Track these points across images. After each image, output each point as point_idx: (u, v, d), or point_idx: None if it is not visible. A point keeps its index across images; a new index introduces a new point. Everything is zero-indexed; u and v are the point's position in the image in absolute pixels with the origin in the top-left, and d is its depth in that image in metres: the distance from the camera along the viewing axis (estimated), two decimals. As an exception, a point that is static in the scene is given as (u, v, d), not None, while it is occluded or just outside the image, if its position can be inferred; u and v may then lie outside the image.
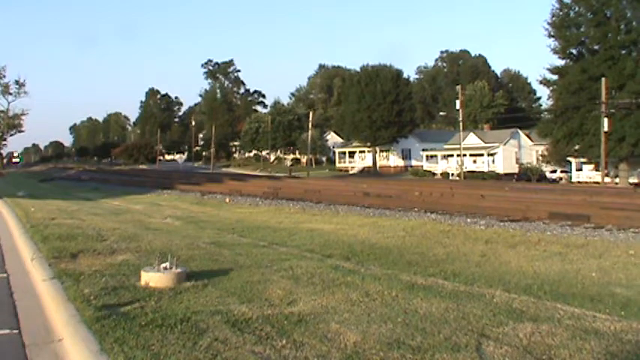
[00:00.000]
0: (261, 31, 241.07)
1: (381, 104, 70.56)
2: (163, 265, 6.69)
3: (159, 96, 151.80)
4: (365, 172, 73.57)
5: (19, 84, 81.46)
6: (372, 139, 72.75)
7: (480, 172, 62.17)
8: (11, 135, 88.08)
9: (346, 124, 77.79)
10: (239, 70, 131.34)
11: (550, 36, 48.78)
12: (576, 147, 47.60)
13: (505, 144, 65.74)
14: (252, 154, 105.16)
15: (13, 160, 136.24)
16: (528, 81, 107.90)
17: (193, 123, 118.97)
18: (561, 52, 48.80)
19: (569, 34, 48.04)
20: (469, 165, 64.64)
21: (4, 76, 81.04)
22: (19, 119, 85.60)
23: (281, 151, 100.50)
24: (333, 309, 5.48)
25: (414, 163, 75.59)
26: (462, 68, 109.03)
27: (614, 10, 45.45)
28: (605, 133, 42.18)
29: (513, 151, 66.13)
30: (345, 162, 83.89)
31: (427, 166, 70.60)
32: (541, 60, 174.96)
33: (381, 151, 77.82)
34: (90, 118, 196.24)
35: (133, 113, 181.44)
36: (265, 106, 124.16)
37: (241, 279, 6.88)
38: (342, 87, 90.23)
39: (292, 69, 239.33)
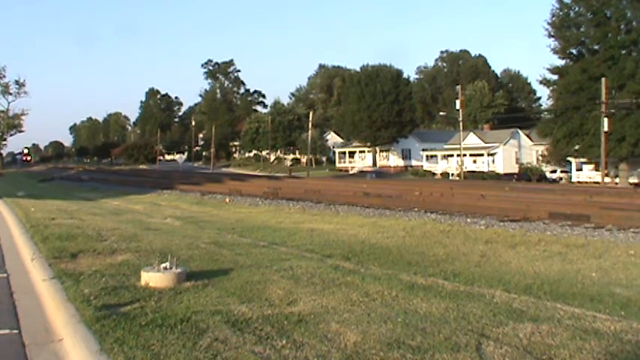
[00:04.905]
0: (262, 31, 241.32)
1: (381, 104, 70.56)
2: (163, 265, 6.69)
3: (159, 96, 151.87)
4: (365, 172, 73.58)
5: (19, 84, 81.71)
6: (372, 139, 72.75)
7: (480, 172, 62.17)
8: (11, 135, 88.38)
9: (346, 124, 77.79)
10: (239, 70, 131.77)
11: (550, 36, 48.90)
12: (576, 147, 47.59)
13: (505, 144, 65.72)
14: (252, 154, 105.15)
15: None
16: (528, 81, 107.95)
17: (193, 123, 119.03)
18: (561, 52, 48.84)
19: (569, 34, 48.07)
20: (469, 165, 64.63)
21: (4, 76, 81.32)
22: (19, 119, 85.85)
23: (281, 151, 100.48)
24: (333, 309, 5.48)
25: (414, 163, 75.56)
26: (462, 68, 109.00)
27: (614, 10, 45.49)
28: (605, 133, 42.19)
29: (513, 151, 66.12)
30: (345, 162, 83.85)
31: (427, 166, 70.59)
32: (541, 60, 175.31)
33: (381, 151, 77.82)
34: (90, 118, 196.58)
35: (133, 113, 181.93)
36: (265, 106, 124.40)
37: (241, 279, 6.88)
38: (342, 87, 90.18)
39: (292, 69, 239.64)
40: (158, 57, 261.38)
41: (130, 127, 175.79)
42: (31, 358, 4.66)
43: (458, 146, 61.66)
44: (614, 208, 19.13)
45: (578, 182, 50.86)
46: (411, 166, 74.70)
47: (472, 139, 67.33)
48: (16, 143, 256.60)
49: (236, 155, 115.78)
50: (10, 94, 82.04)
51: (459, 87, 65.67)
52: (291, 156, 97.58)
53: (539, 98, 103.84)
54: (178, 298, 5.87)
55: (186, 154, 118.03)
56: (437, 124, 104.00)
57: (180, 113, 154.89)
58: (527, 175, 57.60)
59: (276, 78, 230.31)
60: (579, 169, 53.36)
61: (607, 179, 45.44)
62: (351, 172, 75.92)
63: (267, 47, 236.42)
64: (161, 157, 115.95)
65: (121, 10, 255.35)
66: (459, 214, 19.33)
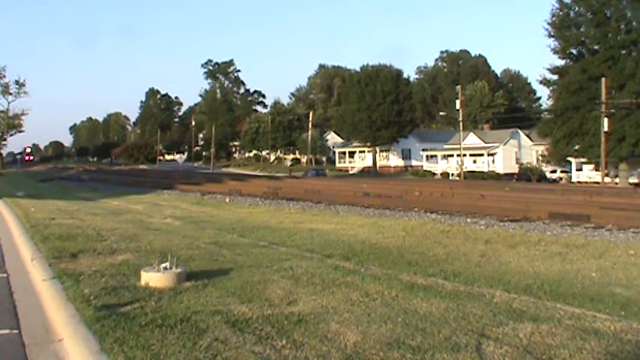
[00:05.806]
0: (261, 31, 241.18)
1: (381, 104, 70.54)
2: (163, 265, 6.69)
3: (159, 96, 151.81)
4: (365, 172, 73.59)
5: (19, 84, 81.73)
6: (372, 139, 72.74)
7: (480, 172, 62.17)
8: (11, 135, 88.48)
9: (346, 124, 77.75)
10: (239, 70, 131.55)
11: (550, 36, 48.91)
12: (576, 147, 47.60)
13: (505, 144, 65.73)
14: (252, 154, 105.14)
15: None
16: (528, 81, 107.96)
17: (193, 123, 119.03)
18: (561, 52, 48.85)
19: (569, 34, 48.08)
20: (469, 165, 64.63)
21: (4, 76, 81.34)
22: (19, 119, 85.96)
23: (281, 151, 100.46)
24: (333, 309, 5.47)
25: (414, 163, 75.58)
26: (462, 68, 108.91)
27: (614, 10, 45.47)
28: (605, 133, 42.20)
29: (513, 151, 66.13)
30: (345, 162, 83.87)
31: (427, 166, 70.60)
32: (541, 60, 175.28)
33: (381, 151, 77.81)
34: (90, 118, 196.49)
35: (133, 113, 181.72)
36: (265, 106, 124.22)
37: (241, 279, 6.88)
38: (342, 87, 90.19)
39: (292, 69, 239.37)
40: (158, 57, 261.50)
41: (130, 127, 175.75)
42: (31, 358, 4.66)
43: (458, 146, 61.66)
44: (614, 208, 19.14)
45: (578, 182, 50.86)
46: (411, 166, 74.71)
47: (472, 139, 67.34)
48: (16, 143, 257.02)
49: (236, 155, 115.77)
50: (10, 94, 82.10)
51: (459, 87, 65.67)
52: (291, 156, 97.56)
53: (539, 98, 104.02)
54: (178, 298, 5.87)
55: (186, 154, 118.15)
56: (437, 124, 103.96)
57: (180, 113, 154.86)
58: (527, 175, 57.58)
59: (276, 78, 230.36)
60: (579, 169, 53.35)
61: (607, 179, 45.45)
62: (351, 172, 76.00)
63: (267, 47, 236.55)
64: (161, 157, 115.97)
65: (121, 11, 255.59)
66: (459, 214, 19.33)
